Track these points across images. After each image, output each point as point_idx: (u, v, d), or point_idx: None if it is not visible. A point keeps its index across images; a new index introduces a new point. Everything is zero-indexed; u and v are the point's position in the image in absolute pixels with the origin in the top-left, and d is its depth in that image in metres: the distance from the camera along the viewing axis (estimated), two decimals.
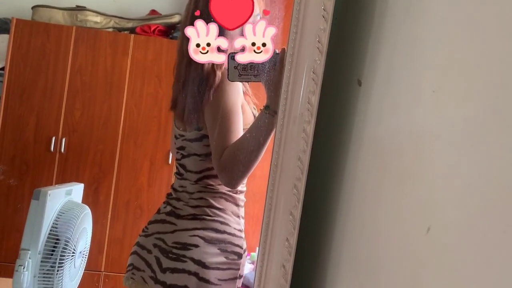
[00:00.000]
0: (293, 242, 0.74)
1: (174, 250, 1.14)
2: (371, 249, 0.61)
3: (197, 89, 1.13)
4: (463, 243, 0.40)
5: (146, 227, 1.24)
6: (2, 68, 2.86)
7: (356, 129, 0.73)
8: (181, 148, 1.21)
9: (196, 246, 1.13)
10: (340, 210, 0.75)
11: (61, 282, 1.50)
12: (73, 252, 1.53)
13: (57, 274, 1.49)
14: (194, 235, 1.14)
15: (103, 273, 2.82)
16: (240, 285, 1.19)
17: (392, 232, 0.55)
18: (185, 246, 1.13)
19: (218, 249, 1.15)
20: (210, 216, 1.16)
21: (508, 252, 0.35)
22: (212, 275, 1.13)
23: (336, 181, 0.78)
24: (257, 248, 0.84)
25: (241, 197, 1.22)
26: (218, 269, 1.14)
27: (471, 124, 0.43)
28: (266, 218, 0.77)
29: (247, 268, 1.49)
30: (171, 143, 1.36)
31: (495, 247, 0.36)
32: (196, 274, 1.12)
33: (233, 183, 1.11)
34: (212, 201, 1.16)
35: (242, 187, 1.22)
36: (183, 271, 1.12)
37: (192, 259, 1.12)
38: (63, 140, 2.81)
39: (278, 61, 0.97)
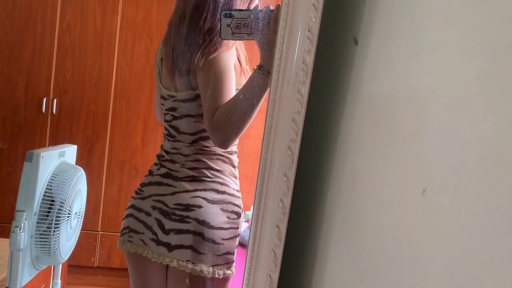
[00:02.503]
0: (287, 203, 0.74)
1: (177, 212, 1.14)
2: (365, 210, 0.61)
3: (189, 47, 1.10)
4: (459, 204, 0.40)
5: (139, 189, 1.24)
6: None
7: (352, 90, 0.72)
8: (172, 109, 1.19)
9: (200, 207, 1.14)
10: (334, 171, 0.75)
11: (58, 242, 1.52)
12: (68, 213, 1.53)
13: (53, 234, 1.50)
14: (196, 196, 1.14)
15: (99, 232, 2.86)
16: (237, 243, 1.21)
17: (386, 193, 0.55)
18: (188, 207, 1.14)
19: (220, 209, 1.15)
20: (210, 177, 1.16)
21: (504, 214, 0.35)
22: (217, 234, 1.14)
23: (331, 143, 0.77)
24: (252, 207, 0.84)
25: (236, 158, 1.22)
26: (222, 228, 1.15)
27: (470, 85, 0.42)
28: (260, 179, 0.77)
29: (242, 226, 1.51)
30: (156, 105, 1.33)
31: (492, 209, 0.36)
32: (201, 234, 1.13)
33: (225, 144, 1.11)
34: (210, 163, 1.16)
35: (235, 148, 1.22)
36: (187, 231, 1.13)
37: (197, 220, 1.13)
38: (55, 101, 2.77)
39: (272, 19, 0.94)
